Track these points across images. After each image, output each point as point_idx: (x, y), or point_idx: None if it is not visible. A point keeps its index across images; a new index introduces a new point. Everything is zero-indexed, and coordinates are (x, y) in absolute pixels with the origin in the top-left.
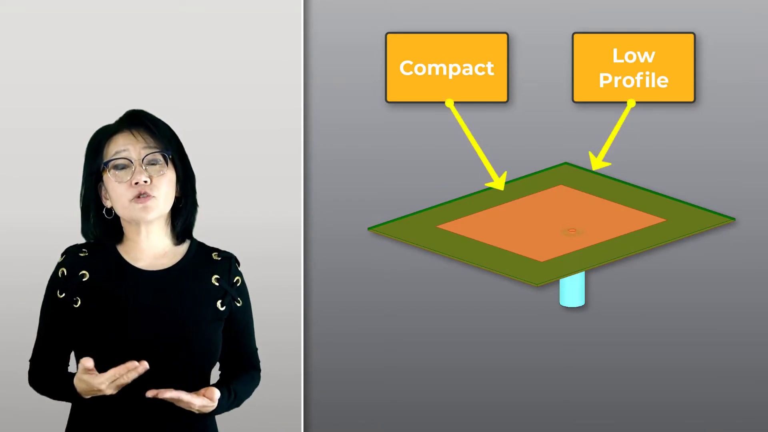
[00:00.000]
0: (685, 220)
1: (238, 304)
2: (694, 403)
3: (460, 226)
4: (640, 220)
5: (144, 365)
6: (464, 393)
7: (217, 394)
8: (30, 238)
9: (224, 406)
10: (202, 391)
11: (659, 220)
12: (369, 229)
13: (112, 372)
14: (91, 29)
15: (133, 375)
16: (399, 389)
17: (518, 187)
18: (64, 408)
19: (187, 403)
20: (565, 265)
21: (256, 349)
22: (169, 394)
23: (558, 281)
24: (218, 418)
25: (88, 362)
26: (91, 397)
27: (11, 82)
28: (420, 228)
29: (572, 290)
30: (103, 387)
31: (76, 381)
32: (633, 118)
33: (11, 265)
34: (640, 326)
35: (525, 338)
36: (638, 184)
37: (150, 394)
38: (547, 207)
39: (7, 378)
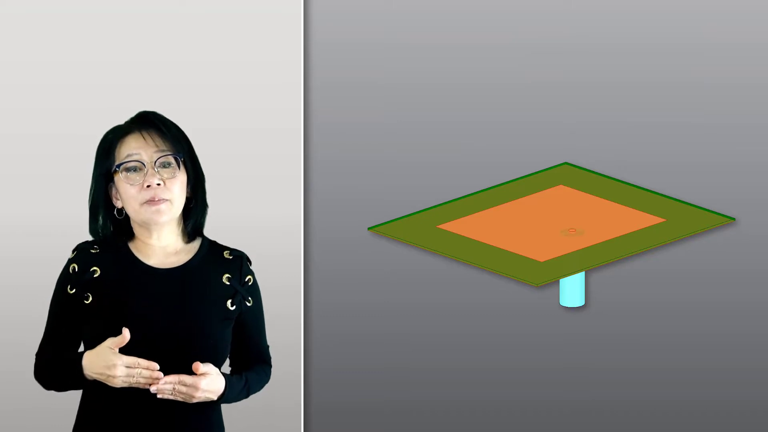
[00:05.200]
0: (685, 220)
1: (249, 304)
2: (694, 402)
3: (460, 226)
4: (640, 220)
5: (160, 375)
6: (464, 393)
7: (212, 367)
8: (32, 238)
9: (235, 389)
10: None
11: (659, 220)
12: (369, 229)
13: (133, 359)
14: (90, 29)
15: (146, 377)
16: (399, 390)
17: (518, 187)
18: (68, 408)
19: (192, 384)
20: (565, 265)
21: (268, 346)
22: (170, 378)
23: (558, 281)
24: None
25: (126, 333)
26: (100, 398)
27: (9, 82)
28: (420, 228)
29: (572, 290)
30: (116, 370)
31: (90, 354)
32: (633, 119)
33: (12, 265)
34: (640, 326)
35: (525, 339)
36: (638, 184)
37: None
38: (547, 207)
39: (8, 378)
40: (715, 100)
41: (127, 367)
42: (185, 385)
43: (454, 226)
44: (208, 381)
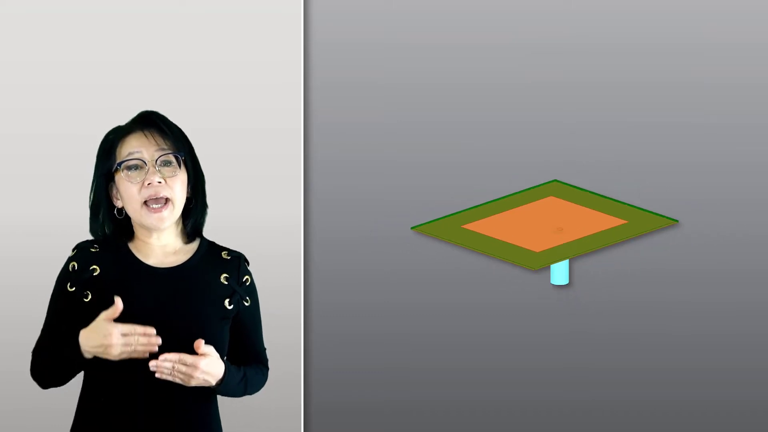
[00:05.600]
0: (639, 221)
1: (246, 304)
2: (682, 400)
3: (478, 226)
4: (609, 221)
5: (158, 341)
6: (464, 393)
7: (212, 350)
8: (32, 238)
9: (234, 378)
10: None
11: (622, 221)
12: (412, 228)
13: (129, 326)
14: (90, 29)
15: (144, 343)
16: (399, 390)
17: (519, 198)
18: (68, 408)
19: (192, 363)
20: (555, 254)
21: (265, 348)
22: (171, 356)
23: (549, 266)
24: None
25: (119, 303)
26: (98, 390)
27: (9, 82)
28: (450, 227)
29: (560, 272)
30: (113, 338)
31: (86, 330)
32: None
33: (12, 265)
34: (614, 300)
35: (523, 323)
36: (629, 183)
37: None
38: (541, 212)
39: (8, 378)
40: (711, 100)
41: (124, 335)
42: (185, 364)
43: (474, 226)
44: (208, 362)
